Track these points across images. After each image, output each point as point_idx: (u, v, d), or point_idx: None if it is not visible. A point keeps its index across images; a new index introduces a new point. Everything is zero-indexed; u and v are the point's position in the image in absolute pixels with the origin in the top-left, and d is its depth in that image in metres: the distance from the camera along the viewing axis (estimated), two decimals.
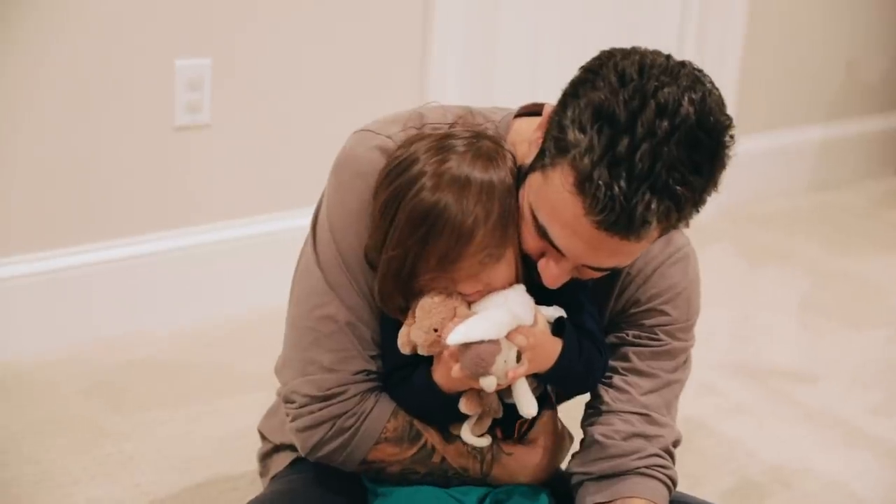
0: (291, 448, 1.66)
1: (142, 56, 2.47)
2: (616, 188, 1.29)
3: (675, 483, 1.55)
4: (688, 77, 1.33)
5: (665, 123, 1.29)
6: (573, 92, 1.35)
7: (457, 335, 1.38)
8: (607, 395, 1.55)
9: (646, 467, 1.52)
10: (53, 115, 2.41)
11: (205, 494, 2.07)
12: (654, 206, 1.30)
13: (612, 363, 1.56)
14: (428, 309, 1.43)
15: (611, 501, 1.51)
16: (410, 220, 1.39)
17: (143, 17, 2.45)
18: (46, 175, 2.44)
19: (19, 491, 2.03)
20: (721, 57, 3.42)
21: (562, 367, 1.47)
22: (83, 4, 2.37)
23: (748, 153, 3.57)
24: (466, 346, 1.38)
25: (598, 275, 1.44)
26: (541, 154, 1.39)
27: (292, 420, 1.54)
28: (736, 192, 3.57)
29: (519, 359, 1.41)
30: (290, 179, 2.73)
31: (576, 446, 1.60)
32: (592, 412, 1.56)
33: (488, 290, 1.43)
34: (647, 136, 1.29)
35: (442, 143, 1.43)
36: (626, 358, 1.56)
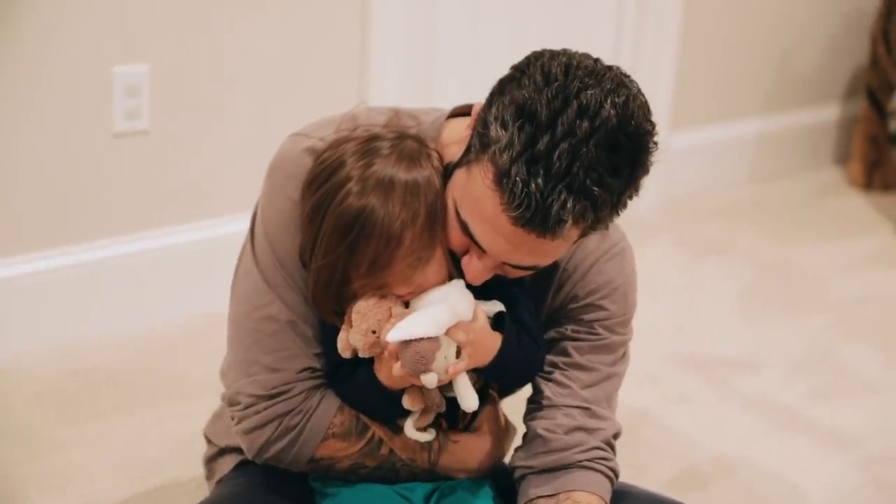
0: (237, 451, 1.66)
1: (79, 63, 2.46)
2: (533, 185, 1.30)
3: (616, 475, 1.57)
4: (612, 81, 1.35)
5: (585, 124, 1.31)
6: (500, 90, 1.37)
7: (396, 333, 1.40)
8: (549, 389, 1.56)
9: (588, 460, 1.54)
10: None
11: (153, 501, 2.07)
12: (569, 205, 1.31)
13: (552, 358, 1.58)
14: (363, 312, 1.44)
15: (554, 495, 1.53)
16: (337, 227, 1.41)
17: (80, 23, 2.43)
18: None
19: None
20: (657, 51, 3.44)
21: (502, 361, 1.49)
22: (19, 12, 2.36)
23: (687, 147, 3.62)
24: (406, 343, 1.40)
25: (520, 274, 1.46)
26: (466, 150, 1.41)
27: (238, 422, 1.54)
28: (676, 186, 3.60)
29: (459, 354, 1.43)
30: (231, 184, 2.73)
31: (518, 440, 1.62)
32: (534, 407, 1.58)
33: (421, 290, 1.45)
34: (567, 135, 1.31)
35: (367, 147, 1.44)
36: (565, 353, 1.57)
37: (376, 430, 1.54)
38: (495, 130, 1.34)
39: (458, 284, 1.46)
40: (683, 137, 3.58)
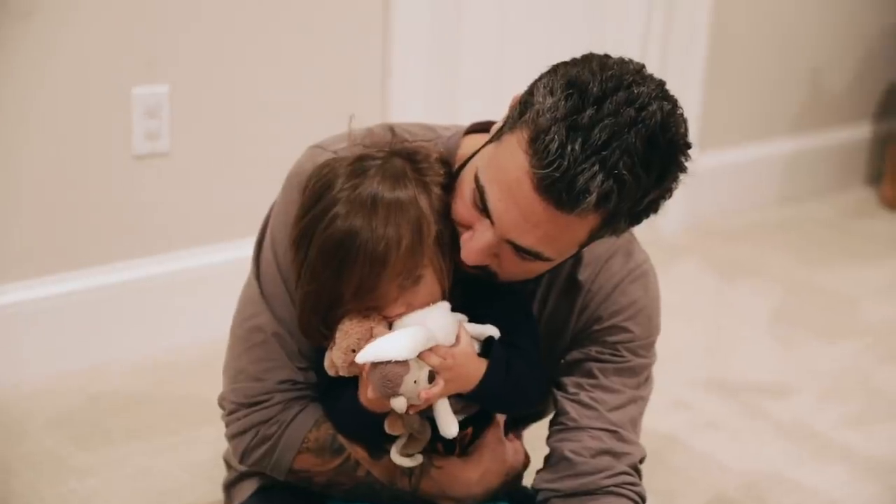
0: (257, 476, 1.65)
1: (98, 85, 2.45)
2: (569, 148, 1.29)
3: (644, 500, 1.55)
4: (663, 90, 1.37)
5: (632, 112, 1.31)
6: (552, 69, 1.38)
7: (364, 355, 1.37)
8: (574, 410, 1.54)
9: (615, 486, 1.52)
10: (9, 147, 2.39)
11: None
12: (598, 179, 1.30)
13: (577, 379, 1.55)
14: (346, 331, 1.42)
15: None
16: (322, 253, 1.39)
17: (99, 45, 2.42)
18: (5, 209, 2.41)
19: None
20: (684, 72, 3.42)
21: (486, 387, 1.45)
22: (36, 33, 2.35)
23: (716, 168, 3.58)
24: (375, 366, 1.37)
25: (515, 266, 1.42)
26: (499, 130, 1.39)
27: (225, 427, 1.58)
28: (704, 208, 3.57)
29: (433, 379, 1.39)
30: (252, 205, 2.69)
31: (539, 462, 1.58)
32: (559, 428, 1.55)
33: (412, 310, 1.42)
34: (612, 115, 1.30)
35: (356, 167, 1.42)
36: (591, 374, 1.55)
37: (353, 452, 1.53)
38: (541, 97, 1.33)
39: (442, 306, 1.44)
40: (712, 158, 3.54)
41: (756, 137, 3.78)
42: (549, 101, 1.32)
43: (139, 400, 2.46)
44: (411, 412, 1.42)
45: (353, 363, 1.41)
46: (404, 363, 1.37)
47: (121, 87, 2.48)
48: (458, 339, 1.43)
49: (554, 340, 1.58)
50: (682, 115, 1.37)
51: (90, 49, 2.42)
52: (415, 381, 1.37)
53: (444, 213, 1.43)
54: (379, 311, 1.42)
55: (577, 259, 1.55)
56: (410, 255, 1.38)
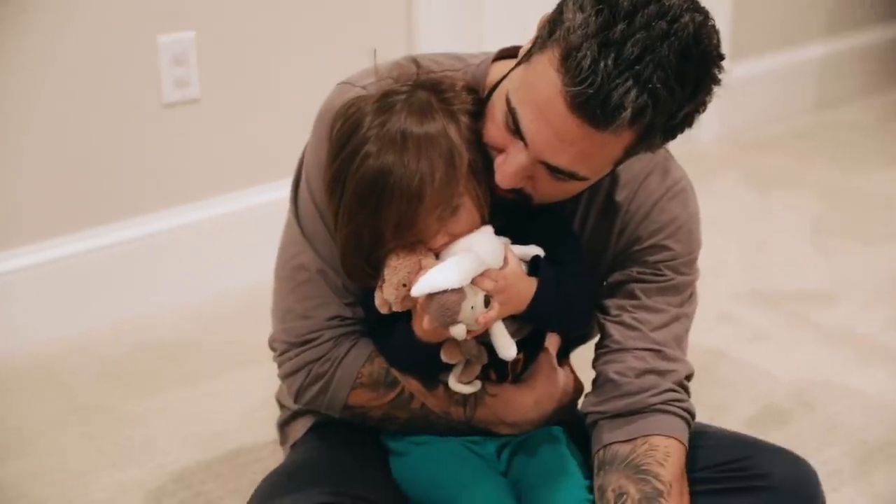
0: (310, 414, 1.67)
1: (123, 35, 2.44)
2: (602, 64, 1.28)
3: (693, 416, 1.54)
4: (693, 1, 1.34)
5: (664, 24, 1.29)
6: None
7: (419, 287, 1.37)
8: (618, 332, 1.54)
9: (662, 403, 1.52)
10: (41, 104, 2.39)
11: (228, 469, 2.08)
12: (633, 94, 1.28)
13: (619, 301, 1.55)
14: (395, 266, 1.42)
15: (631, 440, 1.50)
16: (357, 194, 1.39)
17: None
18: (39, 165, 2.42)
19: (42, 483, 2.04)
20: None
21: (538, 306, 1.45)
22: None
23: (748, 77, 3.54)
24: (431, 296, 1.37)
25: (550, 187, 1.41)
26: (527, 54, 1.38)
27: (278, 368, 1.59)
28: (739, 118, 3.53)
29: (488, 303, 1.39)
30: (286, 146, 2.69)
31: (588, 386, 1.59)
32: (604, 351, 1.55)
33: (455, 240, 1.42)
34: (644, 28, 1.29)
35: (382, 103, 1.41)
36: (633, 295, 1.54)
37: (407, 385, 1.53)
38: (571, 14, 1.31)
39: (486, 231, 1.43)
40: (744, 67, 3.49)
41: (787, 44, 3.72)
42: (580, 17, 1.30)
43: (185, 348, 2.48)
44: (469, 338, 1.43)
45: (406, 297, 1.41)
46: (459, 290, 1.37)
47: (146, 35, 2.47)
48: (505, 260, 1.43)
49: (595, 262, 1.57)
50: (713, 26, 1.35)
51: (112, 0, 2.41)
52: (472, 307, 1.38)
53: (475, 140, 1.42)
54: (423, 244, 1.42)
55: (613, 179, 1.54)
56: (445, 187, 1.38)
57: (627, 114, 1.29)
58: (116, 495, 2.01)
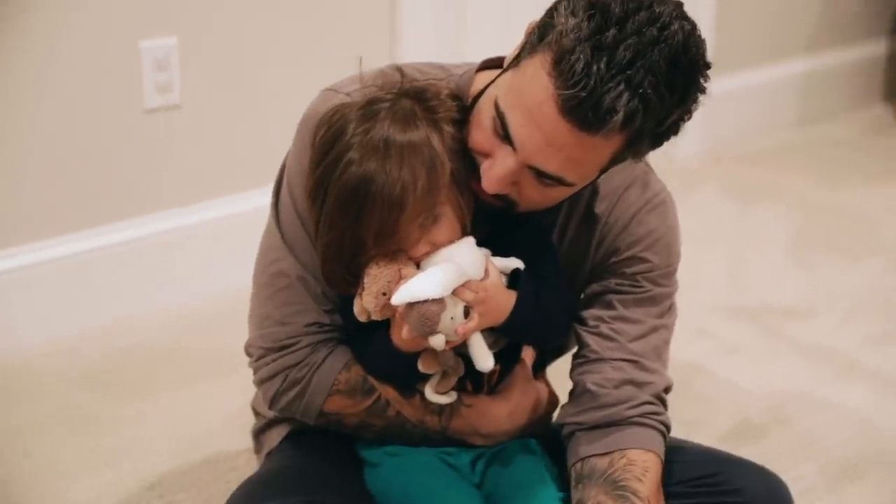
0: (285, 422, 1.66)
1: (105, 40, 2.43)
2: (595, 67, 1.29)
3: (668, 429, 1.55)
4: (681, 9, 1.36)
5: (654, 31, 1.31)
6: None
7: (399, 296, 1.37)
8: (595, 343, 1.54)
9: (639, 416, 1.52)
10: (21, 107, 2.38)
11: (203, 476, 2.06)
12: (624, 98, 1.29)
13: (597, 312, 1.55)
14: (375, 275, 1.42)
15: (607, 453, 1.50)
16: (339, 201, 1.39)
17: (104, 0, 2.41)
18: (21, 169, 2.41)
19: (18, 486, 2.03)
20: None
21: (517, 319, 1.45)
22: None
23: (731, 91, 3.55)
24: (411, 306, 1.37)
25: (536, 193, 1.41)
26: (515, 59, 1.39)
27: (253, 374, 1.58)
28: (721, 132, 3.54)
29: (468, 314, 1.40)
30: (267, 153, 2.69)
31: (564, 397, 1.59)
32: (581, 361, 1.55)
33: (436, 249, 1.42)
34: (635, 34, 1.30)
35: (366, 111, 1.41)
36: (610, 306, 1.55)
37: (384, 393, 1.53)
38: (563, 18, 1.32)
39: (467, 242, 1.43)
40: (726, 81, 3.50)
41: (770, 58, 3.73)
42: (572, 21, 1.30)
43: (163, 353, 2.47)
44: (448, 348, 1.43)
45: (385, 306, 1.42)
46: (440, 300, 1.37)
47: (128, 40, 2.46)
48: (486, 272, 1.43)
49: (574, 273, 1.57)
50: (700, 35, 1.36)
51: (96, 4, 2.40)
52: (451, 318, 1.38)
53: (458, 149, 1.42)
54: (403, 252, 1.42)
55: (594, 191, 1.54)
56: (427, 195, 1.38)
57: (619, 118, 1.30)
58: (90, 500, 2.00)
